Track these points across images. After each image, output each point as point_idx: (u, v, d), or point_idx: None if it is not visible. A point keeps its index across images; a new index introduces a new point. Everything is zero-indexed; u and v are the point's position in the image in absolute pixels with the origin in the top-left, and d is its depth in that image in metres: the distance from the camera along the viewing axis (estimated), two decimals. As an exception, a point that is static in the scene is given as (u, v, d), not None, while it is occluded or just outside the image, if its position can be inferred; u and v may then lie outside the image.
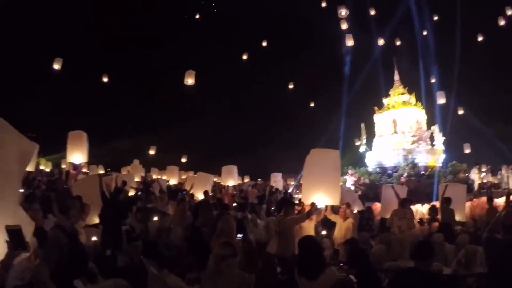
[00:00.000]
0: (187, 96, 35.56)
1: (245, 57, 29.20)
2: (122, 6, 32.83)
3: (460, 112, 28.87)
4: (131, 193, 14.41)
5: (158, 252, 5.08)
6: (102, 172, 24.30)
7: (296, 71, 35.75)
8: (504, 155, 28.46)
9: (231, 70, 36.39)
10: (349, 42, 22.20)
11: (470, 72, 32.44)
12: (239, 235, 6.37)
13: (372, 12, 27.19)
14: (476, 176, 22.47)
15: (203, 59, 35.90)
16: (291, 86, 32.82)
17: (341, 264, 6.69)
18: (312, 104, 37.00)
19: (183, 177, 25.90)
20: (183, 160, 32.21)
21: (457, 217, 12.14)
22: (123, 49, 33.22)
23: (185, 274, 4.96)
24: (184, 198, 11.61)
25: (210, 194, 15.11)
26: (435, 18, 29.96)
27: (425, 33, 29.80)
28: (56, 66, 20.66)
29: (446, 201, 12.15)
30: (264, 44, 29.94)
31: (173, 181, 22.59)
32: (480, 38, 28.11)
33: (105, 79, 26.62)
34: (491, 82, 35.49)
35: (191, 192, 15.11)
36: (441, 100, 23.60)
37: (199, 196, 14.65)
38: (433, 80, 27.27)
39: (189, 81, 19.30)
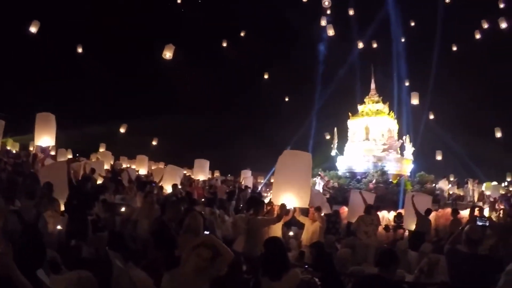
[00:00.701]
0: (163, 86, 35.62)
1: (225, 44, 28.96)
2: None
3: (431, 116, 29.64)
4: (99, 181, 14.21)
5: (124, 244, 4.98)
6: (70, 157, 23.90)
7: (273, 69, 35.78)
8: (470, 170, 29.34)
9: (208, 64, 36.28)
10: (330, 32, 22.20)
11: (443, 85, 33.19)
12: (206, 232, 6.34)
13: (351, 12, 27.64)
14: (445, 187, 22.96)
15: (179, 52, 35.86)
16: (266, 83, 33.06)
17: (306, 266, 6.74)
18: (286, 99, 37.33)
19: (153, 167, 25.62)
20: (154, 143, 31.72)
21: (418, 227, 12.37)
22: (98, 31, 32.51)
23: (151, 268, 4.90)
24: (152, 190, 11.51)
25: (179, 187, 15.02)
26: (412, 24, 30.53)
27: (403, 39, 30.41)
28: (33, 29, 19.67)
29: (426, 212, 12.49)
30: (242, 34, 30.02)
31: (142, 171, 22.18)
32: (455, 48, 28.80)
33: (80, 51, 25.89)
34: (464, 97, 36.37)
35: (160, 184, 14.99)
36: (414, 100, 24.16)
37: (168, 188, 14.55)
38: (407, 84, 27.85)
39: (167, 54, 18.83)
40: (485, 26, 26.35)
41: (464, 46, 30.97)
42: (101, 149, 28.21)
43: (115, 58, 35.05)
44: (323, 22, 24.41)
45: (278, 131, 35.37)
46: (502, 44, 33.90)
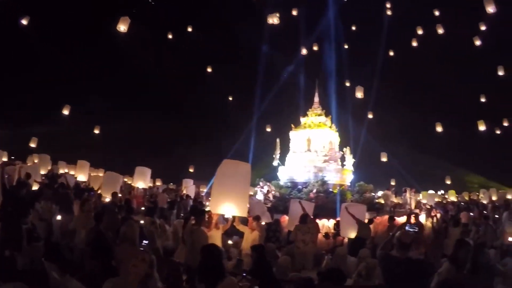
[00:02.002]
0: (105, 89, 34.90)
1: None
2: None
3: (372, 116, 30.60)
4: (35, 187, 13.78)
5: (61, 255, 4.86)
6: (5, 159, 23.02)
7: (218, 78, 35.87)
8: (406, 180, 30.55)
9: (150, 66, 35.92)
10: (275, 20, 22.43)
11: (383, 98, 34.35)
12: (145, 242, 6.31)
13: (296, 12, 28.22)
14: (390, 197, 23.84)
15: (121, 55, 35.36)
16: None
17: (244, 274, 6.82)
18: (231, 98, 37.15)
19: (93, 174, 24.94)
20: (96, 131, 30.83)
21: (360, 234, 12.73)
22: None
23: (88, 280, 4.84)
24: (89, 198, 11.19)
25: (119, 195, 14.74)
26: (357, 29, 31.57)
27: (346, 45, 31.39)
28: None
29: (369, 221, 13.08)
30: (190, 29, 29.79)
31: (81, 178, 21.49)
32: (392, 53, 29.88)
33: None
34: (402, 110, 37.85)
35: (99, 192, 14.68)
36: (359, 93, 24.95)
37: (108, 197, 14.23)
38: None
39: (122, 27, 18.23)
40: (420, 33, 27.59)
41: (402, 59, 32.29)
42: (32, 144, 27.16)
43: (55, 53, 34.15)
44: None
45: (223, 140, 35.47)
46: (439, 57, 35.73)
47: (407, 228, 7.74)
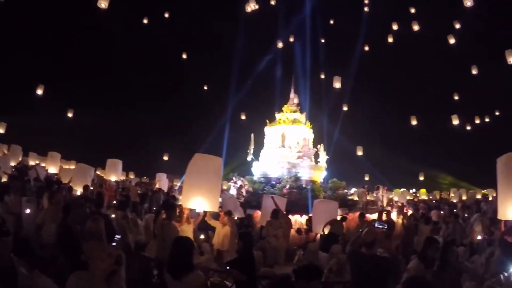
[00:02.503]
0: (76, 77, 34.24)
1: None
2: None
3: (346, 108, 30.85)
4: (4, 179, 13.54)
5: (30, 250, 4.78)
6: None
7: (193, 73, 35.66)
8: (377, 177, 31.01)
9: (124, 58, 35.46)
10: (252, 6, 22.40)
11: (357, 97, 34.73)
12: (118, 236, 6.25)
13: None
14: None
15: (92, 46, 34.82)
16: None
17: (228, 268, 6.81)
18: (206, 87, 37.05)
19: (66, 166, 24.50)
20: (69, 115, 30.20)
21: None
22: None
23: (57, 275, 4.78)
24: (58, 191, 11.00)
25: (91, 188, 14.57)
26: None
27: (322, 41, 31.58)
28: None
29: (342, 219, 13.41)
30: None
31: (52, 170, 20.94)
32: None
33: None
34: (375, 108, 38.29)
35: (70, 185, 14.46)
36: (337, 84, 25.22)
37: (79, 190, 14.04)
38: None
39: (103, 4, 17.76)
40: (396, 28, 27.94)
41: (378, 56, 32.64)
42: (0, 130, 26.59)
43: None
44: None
45: (197, 133, 35.30)
46: (411, 59, 36.20)
47: (376, 224, 7.85)
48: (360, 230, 6.69)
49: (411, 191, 35.39)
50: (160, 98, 40.06)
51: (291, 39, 31.43)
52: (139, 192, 17.36)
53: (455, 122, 30.86)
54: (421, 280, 4.25)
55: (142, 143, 38.57)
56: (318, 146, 25.35)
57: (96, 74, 35.73)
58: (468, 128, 35.36)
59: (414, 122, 31.25)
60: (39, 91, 26.29)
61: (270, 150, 24.91)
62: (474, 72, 27.89)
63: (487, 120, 35.52)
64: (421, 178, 37.29)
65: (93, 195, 12.57)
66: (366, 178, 33.28)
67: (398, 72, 38.88)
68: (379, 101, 41.49)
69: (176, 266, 4.67)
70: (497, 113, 35.80)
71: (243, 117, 33.52)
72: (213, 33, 36.57)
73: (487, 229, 11.58)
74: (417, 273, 5.96)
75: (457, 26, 26.39)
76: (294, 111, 25.82)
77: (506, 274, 6.32)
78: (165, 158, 34.85)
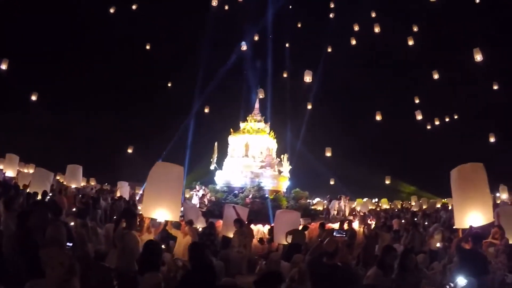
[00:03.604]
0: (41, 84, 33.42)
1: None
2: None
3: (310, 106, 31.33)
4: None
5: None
6: None
7: (157, 79, 35.44)
8: (340, 187, 31.47)
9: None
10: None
11: (317, 111, 35.16)
12: (69, 244, 6.13)
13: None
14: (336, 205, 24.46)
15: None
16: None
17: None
18: (169, 84, 36.64)
19: (25, 170, 23.82)
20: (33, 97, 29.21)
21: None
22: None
23: (14, 283, 4.67)
24: (14, 197, 10.72)
25: (50, 194, 14.26)
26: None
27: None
28: None
29: (304, 228, 13.32)
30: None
31: (10, 173, 20.32)
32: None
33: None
34: (333, 121, 38.83)
35: (27, 190, 14.12)
36: (307, 78, 25.42)
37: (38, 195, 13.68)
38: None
39: None
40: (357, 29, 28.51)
41: (340, 62, 33.14)
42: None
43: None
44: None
45: (160, 141, 34.95)
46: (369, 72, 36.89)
47: (335, 233, 7.98)
48: (320, 239, 6.78)
49: (373, 200, 35.95)
50: (124, 103, 39.53)
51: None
52: (92, 196, 17.02)
53: (420, 114, 31.59)
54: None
55: (104, 148, 37.89)
56: (282, 156, 25.52)
57: (56, 74, 35.02)
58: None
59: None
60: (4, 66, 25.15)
61: (234, 159, 24.93)
62: (436, 76, 28.54)
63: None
64: (387, 182, 37.83)
65: (51, 202, 12.29)
66: (331, 183, 33.64)
67: (361, 81, 39.64)
68: (342, 112, 42.22)
69: (141, 263, 5.29)
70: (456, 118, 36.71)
71: (206, 127, 33.46)
72: (181, 39, 36.49)
73: (446, 237, 11.94)
74: (376, 281, 6.08)
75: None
76: (258, 121, 25.94)
77: (463, 282, 6.47)
78: (130, 150, 34.11)
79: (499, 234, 8.53)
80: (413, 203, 33.51)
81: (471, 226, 7.85)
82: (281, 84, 33.46)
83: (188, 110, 35.15)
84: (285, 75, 33.17)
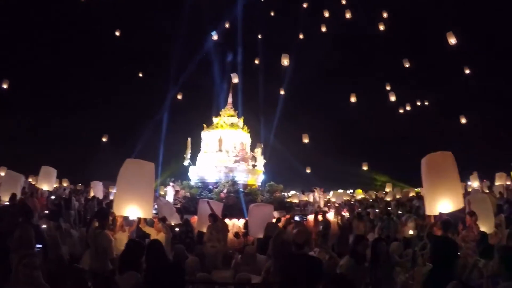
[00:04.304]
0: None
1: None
2: None
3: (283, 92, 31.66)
4: None
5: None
6: None
7: (128, 74, 35.09)
8: (310, 180, 31.76)
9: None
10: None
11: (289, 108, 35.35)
12: (38, 246, 6.11)
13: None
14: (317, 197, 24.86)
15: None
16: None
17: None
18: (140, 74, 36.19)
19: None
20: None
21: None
22: None
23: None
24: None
25: (21, 197, 14.02)
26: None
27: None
28: None
29: (277, 220, 13.45)
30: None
31: None
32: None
33: None
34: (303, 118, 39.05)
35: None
36: (285, 61, 25.76)
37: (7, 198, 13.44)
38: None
39: None
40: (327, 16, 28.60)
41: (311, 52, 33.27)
42: None
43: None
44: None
45: (133, 139, 34.65)
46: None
47: (296, 218, 8.11)
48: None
49: (348, 191, 36.33)
50: (94, 101, 39.03)
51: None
52: (63, 196, 16.81)
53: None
54: (340, 276, 4.45)
55: (76, 148, 37.33)
56: (256, 150, 25.58)
57: (25, 74, 34.35)
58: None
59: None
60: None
61: (207, 154, 24.88)
62: (407, 65, 28.80)
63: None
64: (365, 168, 38.27)
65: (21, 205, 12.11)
66: (308, 171, 33.69)
67: (334, 72, 39.88)
68: (315, 102, 42.47)
69: (121, 263, 5.16)
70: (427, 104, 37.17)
71: (179, 121, 33.25)
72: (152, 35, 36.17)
73: (419, 225, 12.23)
74: (348, 270, 6.24)
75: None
76: (232, 115, 25.92)
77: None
78: (104, 139, 33.62)
79: (471, 222, 8.82)
80: (387, 190, 34.02)
81: (441, 213, 8.07)
82: (254, 77, 33.53)
83: (160, 105, 34.88)
84: (256, 62, 32.89)
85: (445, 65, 33.83)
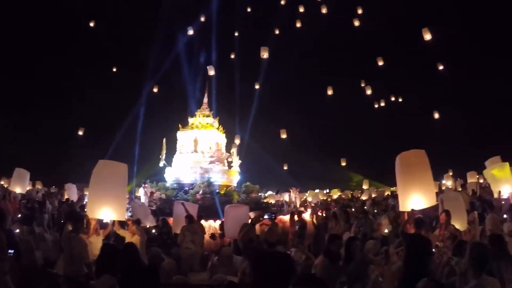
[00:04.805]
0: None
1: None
2: None
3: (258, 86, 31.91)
4: None
5: None
6: None
7: (101, 74, 34.74)
8: (285, 181, 31.87)
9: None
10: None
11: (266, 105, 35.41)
12: (11, 251, 6.03)
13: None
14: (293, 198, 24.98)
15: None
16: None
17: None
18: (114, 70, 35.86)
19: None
20: None
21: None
22: None
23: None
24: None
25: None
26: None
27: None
28: None
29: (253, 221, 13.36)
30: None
31: None
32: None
33: None
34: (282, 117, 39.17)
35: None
36: (264, 54, 25.41)
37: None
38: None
39: None
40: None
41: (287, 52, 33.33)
42: None
43: None
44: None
45: (108, 140, 34.25)
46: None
47: (266, 216, 8.17)
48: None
49: (325, 191, 36.57)
50: (67, 102, 38.51)
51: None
52: (38, 200, 16.53)
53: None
54: (310, 277, 4.50)
55: (49, 149, 36.76)
56: (231, 150, 25.59)
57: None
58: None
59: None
60: None
61: (183, 155, 24.80)
62: (381, 63, 28.83)
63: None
64: (343, 164, 38.32)
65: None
66: (285, 168, 33.57)
67: (308, 72, 40.04)
68: (291, 101, 42.61)
69: (98, 267, 5.26)
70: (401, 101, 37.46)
71: (154, 122, 33.04)
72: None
73: (393, 222, 12.39)
74: (323, 269, 6.33)
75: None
76: (207, 116, 25.88)
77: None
78: (80, 132, 33.21)
79: (445, 220, 9.00)
80: (364, 187, 34.41)
81: (412, 210, 8.21)
82: (229, 75, 33.56)
83: (135, 105, 34.54)
84: (232, 56, 32.85)
85: (419, 62, 34.22)
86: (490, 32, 35.74)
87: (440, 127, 33.72)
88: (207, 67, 26.91)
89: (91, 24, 29.30)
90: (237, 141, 26.22)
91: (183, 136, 25.17)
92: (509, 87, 33.65)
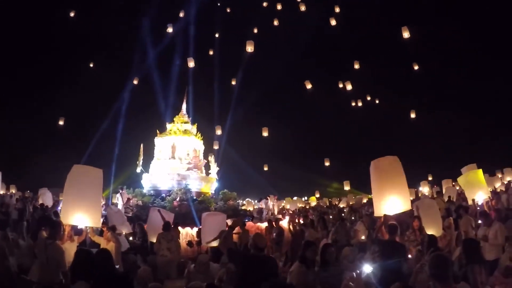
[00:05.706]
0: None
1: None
2: None
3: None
4: None
5: None
6: None
7: (82, 75, 34.40)
8: (264, 188, 31.97)
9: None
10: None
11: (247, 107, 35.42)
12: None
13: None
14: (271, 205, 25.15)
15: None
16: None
17: None
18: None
19: None
20: None
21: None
22: None
23: None
24: None
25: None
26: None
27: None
28: None
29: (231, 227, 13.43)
30: None
31: None
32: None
33: None
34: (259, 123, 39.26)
35: None
36: (249, 48, 25.50)
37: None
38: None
39: None
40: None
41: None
42: None
43: None
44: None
45: (85, 144, 33.83)
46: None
47: (246, 220, 8.24)
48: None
49: (303, 198, 36.72)
50: (43, 107, 37.95)
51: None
52: (16, 207, 16.31)
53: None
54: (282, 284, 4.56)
55: (23, 152, 36.16)
56: (209, 157, 25.57)
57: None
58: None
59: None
60: None
61: (160, 161, 24.66)
62: (357, 66, 29.24)
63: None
64: (327, 164, 38.06)
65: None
66: (265, 169, 33.54)
67: (287, 77, 40.15)
68: (268, 109, 42.71)
69: (72, 273, 5.28)
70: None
71: (132, 128, 32.74)
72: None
73: (369, 228, 12.54)
74: (299, 275, 6.39)
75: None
76: (185, 122, 25.81)
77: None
78: (60, 122, 32.25)
79: (418, 226, 9.16)
80: (346, 188, 34.66)
81: (385, 215, 8.31)
82: (210, 83, 33.56)
83: (112, 108, 34.17)
84: (211, 52, 32.76)
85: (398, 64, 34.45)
86: (490, 32, 35.92)
87: (420, 134, 33.98)
88: (187, 59, 26.80)
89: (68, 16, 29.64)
90: (216, 147, 26.14)
91: (160, 142, 25.03)
92: (509, 87, 33.83)
